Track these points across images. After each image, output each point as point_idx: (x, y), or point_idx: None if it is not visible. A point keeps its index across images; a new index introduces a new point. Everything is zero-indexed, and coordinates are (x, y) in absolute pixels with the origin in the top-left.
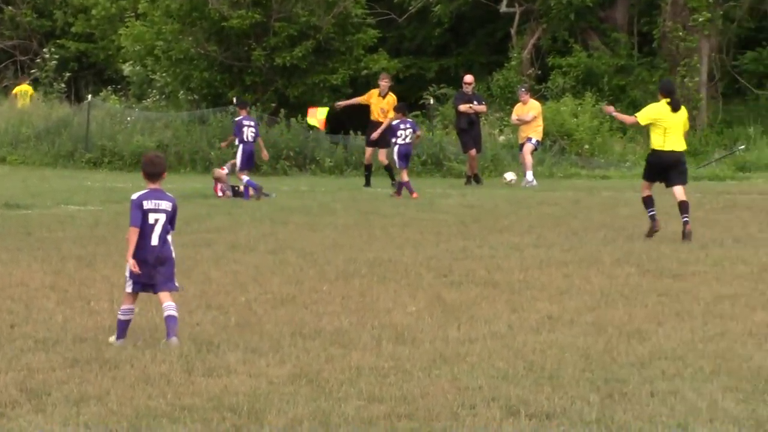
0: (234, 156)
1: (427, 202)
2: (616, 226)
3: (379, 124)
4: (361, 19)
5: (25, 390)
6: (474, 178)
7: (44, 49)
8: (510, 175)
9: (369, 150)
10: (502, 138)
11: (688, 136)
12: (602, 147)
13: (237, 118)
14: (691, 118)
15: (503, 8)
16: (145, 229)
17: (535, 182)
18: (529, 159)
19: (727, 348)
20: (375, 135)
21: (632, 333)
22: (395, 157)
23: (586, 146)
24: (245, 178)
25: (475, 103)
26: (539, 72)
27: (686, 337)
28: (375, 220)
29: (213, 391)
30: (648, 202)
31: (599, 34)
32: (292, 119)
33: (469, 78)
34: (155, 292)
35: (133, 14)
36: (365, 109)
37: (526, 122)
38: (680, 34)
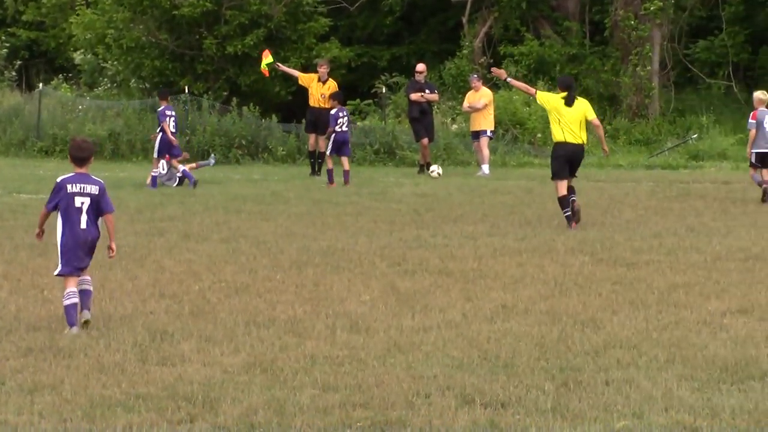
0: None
1: (380, 191)
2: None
3: (319, 110)
4: (313, 8)
5: None
6: (427, 167)
7: None
8: (435, 169)
9: (312, 136)
10: (454, 127)
11: (640, 125)
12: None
13: (159, 108)
14: (644, 107)
15: None
16: (73, 213)
17: (488, 173)
18: (486, 152)
19: (682, 337)
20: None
21: (587, 322)
22: (329, 144)
23: (539, 135)
24: (160, 167)
25: (427, 91)
26: (491, 61)
27: (641, 326)
28: (328, 208)
29: (167, 380)
30: (564, 202)
31: (551, 23)
32: (244, 108)
33: (421, 67)
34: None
35: (84, 2)
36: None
37: (478, 110)
38: (632, 22)
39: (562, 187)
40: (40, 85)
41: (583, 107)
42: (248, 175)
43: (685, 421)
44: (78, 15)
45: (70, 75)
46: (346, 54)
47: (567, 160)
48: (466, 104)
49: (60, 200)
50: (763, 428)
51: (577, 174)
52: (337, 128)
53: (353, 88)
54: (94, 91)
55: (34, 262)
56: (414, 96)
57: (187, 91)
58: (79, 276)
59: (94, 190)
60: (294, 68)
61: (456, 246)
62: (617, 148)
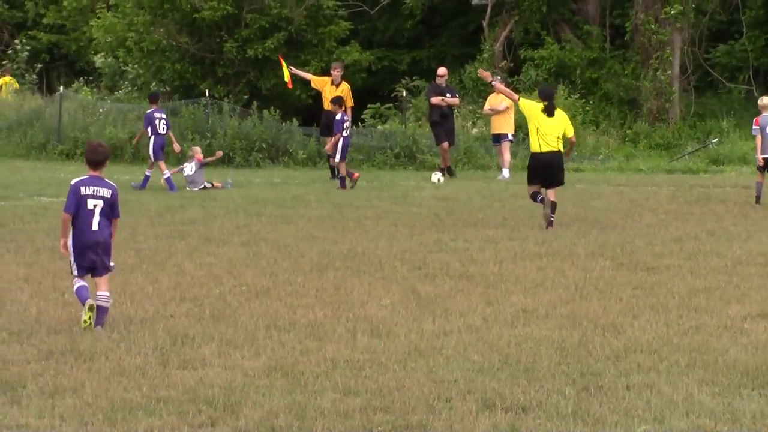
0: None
1: (401, 195)
2: (590, 219)
3: (333, 113)
4: (333, 11)
5: None
6: (447, 171)
7: (15, 41)
8: (436, 176)
9: (329, 140)
10: (474, 130)
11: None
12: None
13: (148, 111)
14: (664, 112)
15: (475, 0)
16: (85, 215)
17: (509, 177)
18: (507, 156)
19: (703, 341)
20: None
21: (607, 326)
22: (340, 150)
23: None
24: (165, 170)
25: (448, 95)
26: (512, 64)
27: (661, 331)
28: (349, 212)
29: (188, 383)
30: (534, 196)
31: (571, 27)
32: (265, 111)
33: (442, 70)
34: (93, 276)
35: (104, 5)
36: None
37: (499, 112)
38: (652, 26)
39: (534, 188)
40: (61, 88)
41: (563, 121)
42: (269, 178)
43: (705, 425)
44: (99, 18)
45: (90, 78)
46: (366, 57)
47: (542, 170)
48: (487, 107)
49: (77, 203)
50: None
51: (563, 182)
52: (344, 133)
53: (373, 92)
54: (115, 94)
55: (55, 265)
56: (435, 100)
57: (207, 94)
58: (90, 275)
59: (107, 193)
60: (314, 72)
61: (476, 250)
62: (637, 152)
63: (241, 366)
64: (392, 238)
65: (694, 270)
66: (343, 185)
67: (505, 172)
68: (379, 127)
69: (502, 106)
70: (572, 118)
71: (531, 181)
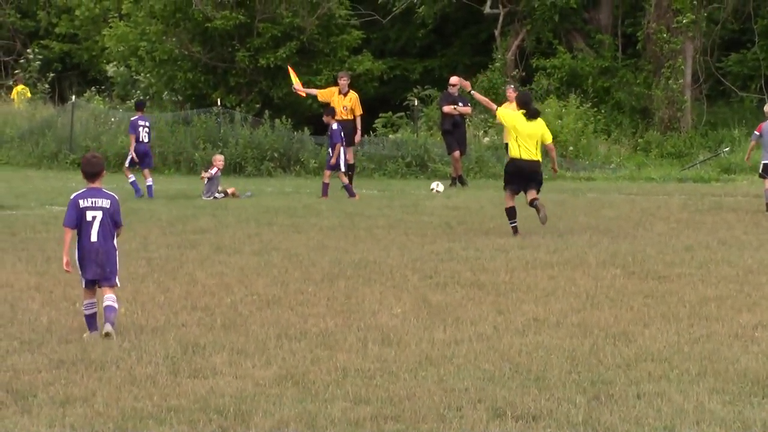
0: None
1: (412, 204)
2: (601, 228)
3: (345, 122)
4: (345, 20)
5: (10, 391)
6: (459, 180)
7: (28, 50)
8: (436, 185)
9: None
10: (486, 140)
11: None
12: (587, 149)
13: (133, 118)
14: (676, 120)
15: (487, 9)
16: (85, 227)
17: None
18: None
19: (713, 350)
20: (357, 138)
21: (618, 335)
22: (342, 159)
23: (571, 148)
24: (131, 177)
25: (460, 104)
26: (523, 73)
27: (672, 339)
28: (360, 221)
29: (199, 392)
30: (510, 213)
31: (583, 36)
32: (276, 120)
33: (454, 79)
34: (99, 287)
35: (116, 15)
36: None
37: None
38: (664, 35)
39: (510, 199)
40: (73, 97)
41: (541, 128)
42: (280, 187)
43: None
44: (111, 27)
45: (102, 87)
46: (378, 67)
47: (519, 175)
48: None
49: (76, 216)
50: None
51: (539, 189)
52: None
53: (385, 101)
54: (127, 103)
55: (66, 275)
56: (447, 109)
57: (219, 103)
58: (95, 288)
59: (105, 203)
60: (326, 81)
61: (488, 259)
62: (649, 161)
63: (252, 375)
64: (403, 247)
65: (705, 279)
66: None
67: None
68: (390, 136)
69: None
70: (584, 126)
71: (507, 185)
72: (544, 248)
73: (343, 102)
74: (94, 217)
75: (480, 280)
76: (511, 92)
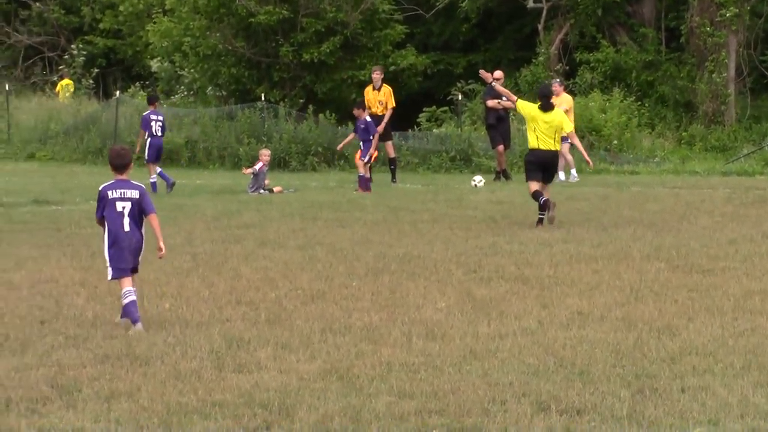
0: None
1: (456, 198)
2: (645, 222)
3: (377, 117)
4: (389, 15)
5: (56, 386)
6: (503, 174)
7: (72, 46)
8: (478, 179)
9: (387, 144)
10: None
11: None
12: (630, 143)
13: (145, 113)
14: (720, 114)
15: (530, 4)
16: (116, 218)
17: (578, 177)
18: (569, 157)
19: (758, 344)
20: (380, 128)
21: (662, 329)
22: (366, 152)
23: (615, 142)
24: (158, 169)
25: (504, 98)
26: (567, 68)
27: (716, 333)
28: (404, 215)
29: (244, 387)
30: (536, 194)
31: (627, 30)
32: (320, 115)
33: (498, 73)
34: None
35: (160, 10)
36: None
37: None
38: (708, 29)
39: (534, 185)
40: (117, 93)
41: (560, 118)
42: (324, 182)
43: (761, 427)
44: (155, 23)
45: (146, 83)
46: (422, 61)
47: (539, 166)
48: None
49: (105, 207)
50: None
51: (552, 181)
52: (370, 137)
53: (429, 95)
54: (171, 98)
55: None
56: (491, 103)
57: (263, 98)
58: (131, 275)
59: (134, 194)
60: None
61: (532, 253)
62: (693, 154)
63: (297, 369)
64: (447, 241)
65: (750, 272)
66: (368, 187)
67: (573, 172)
68: (434, 130)
69: (562, 108)
70: (628, 120)
71: (530, 176)
72: (588, 242)
73: (378, 97)
74: (123, 208)
75: (524, 274)
76: (557, 86)
